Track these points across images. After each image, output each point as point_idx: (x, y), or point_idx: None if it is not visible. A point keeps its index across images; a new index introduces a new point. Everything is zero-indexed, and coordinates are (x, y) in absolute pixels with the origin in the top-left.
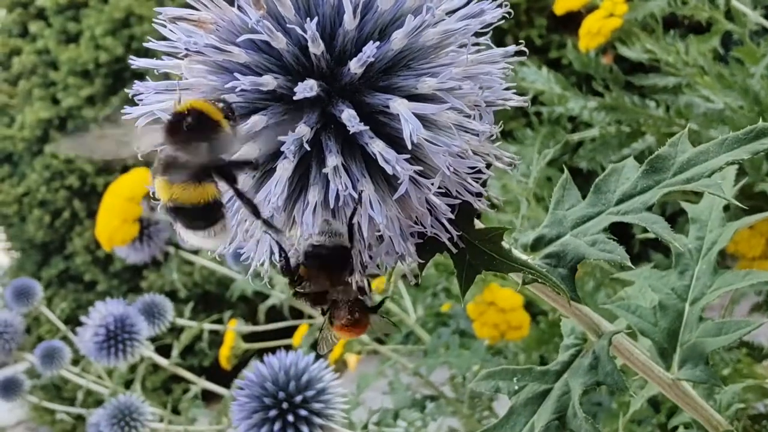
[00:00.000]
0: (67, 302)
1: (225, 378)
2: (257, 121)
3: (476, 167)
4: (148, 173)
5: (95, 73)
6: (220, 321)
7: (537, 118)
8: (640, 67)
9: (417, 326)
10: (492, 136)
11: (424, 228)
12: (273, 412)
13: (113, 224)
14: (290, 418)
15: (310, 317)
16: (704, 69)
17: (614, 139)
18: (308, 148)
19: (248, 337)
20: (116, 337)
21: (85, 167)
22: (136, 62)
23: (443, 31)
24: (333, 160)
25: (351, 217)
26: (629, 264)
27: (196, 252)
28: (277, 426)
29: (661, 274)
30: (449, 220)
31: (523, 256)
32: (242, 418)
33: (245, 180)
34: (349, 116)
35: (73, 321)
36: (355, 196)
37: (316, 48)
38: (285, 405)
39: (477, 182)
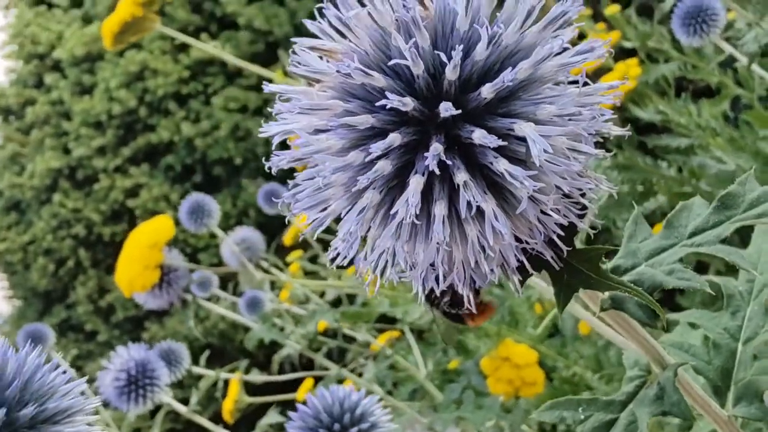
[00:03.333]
0: (68, 352)
1: (236, 427)
2: (395, 138)
3: (582, 189)
4: (169, 220)
5: (107, 124)
6: (234, 370)
7: None
8: (652, 127)
9: (427, 381)
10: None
11: (528, 246)
12: None
13: (134, 270)
14: None
15: (323, 368)
16: (716, 131)
17: (628, 197)
18: (437, 171)
19: (261, 387)
20: (137, 383)
21: (93, 216)
22: (269, 87)
23: (560, 64)
24: (462, 176)
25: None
26: (708, 289)
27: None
28: None
29: (713, 315)
30: (551, 242)
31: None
32: None
33: (372, 195)
34: (481, 134)
35: (74, 370)
36: (482, 206)
37: (453, 74)
38: None
39: (578, 205)
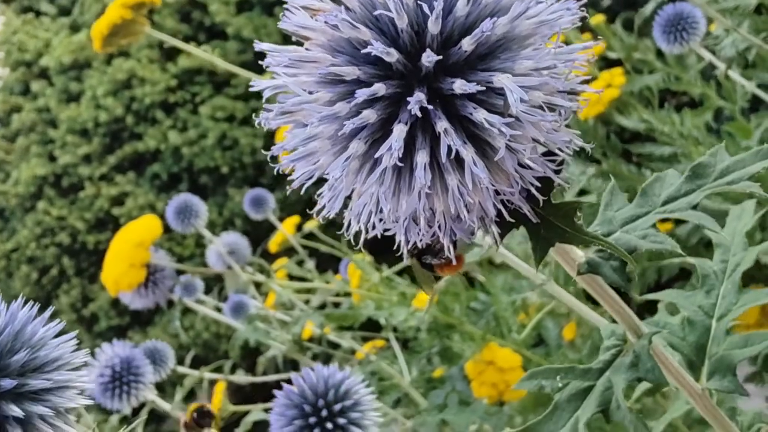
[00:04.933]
0: None
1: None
2: (379, 87)
3: (557, 143)
4: (157, 219)
5: (94, 132)
6: (219, 370)
7: None
8: (636, 136)
9: (411, 388)
10: (568, 120)
11: (506, 198)
12: (312, 419)
13: (120, 268)
14: (329, 425)
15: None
16: (698, 140)
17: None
18: (419, 115)
19: (246, 392)
20: (121, 379)
21: (77, 224)
22: (259, 45)
23: (538, 21)
24: (443, 124)
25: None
26: (680, 251)
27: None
28: None
29: (688, 294)
30: (529, 196)
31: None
32: (281, 426)
33: (358, 145)
34: (461, 83)
35: None
36: (462, 152)
37: (435, 27)
38: (324, 413)
39: (554, 162)
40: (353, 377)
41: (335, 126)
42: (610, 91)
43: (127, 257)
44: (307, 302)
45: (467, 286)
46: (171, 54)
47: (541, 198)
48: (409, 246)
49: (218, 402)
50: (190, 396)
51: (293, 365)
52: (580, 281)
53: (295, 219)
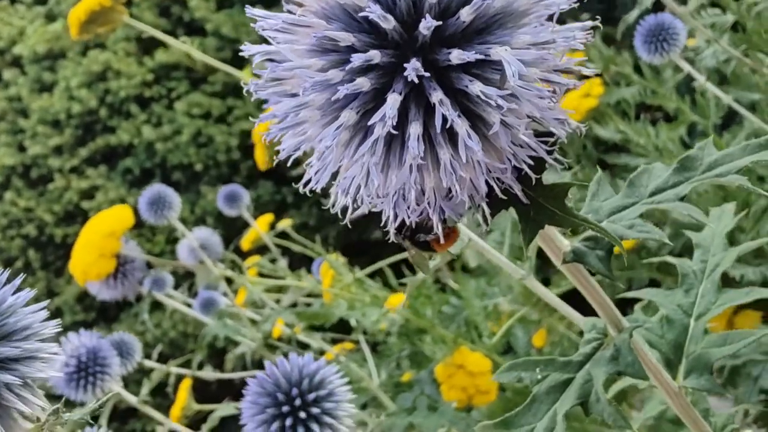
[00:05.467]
0: None
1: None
2: (374, 54)
3: (559, 118)
4: (129, 210)
5: (66, 124)
6: (188, 365)
7: None
8: (613, 146)
9: (380, 391)
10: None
11: (497, 177)
12: (286, 408)
13: (90, 258)
14: (302, 415)
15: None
16: (673, 153)
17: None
18: (416, 81)
19: (211, 389)
20: (87, 369)
21: (45, 216)
22: (251, 11)
23: None
24: (438, 95)
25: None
26: (667, 241)
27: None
28: (288, 422)
29: (667, 292)
30: (519, 176)
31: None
32: (253, 414)
33: (349, 114)
34: (458, 53)
35: None
36: (457, 123)
37: None
38: (298, 402)
39: (547, 142)
40: (329, 367)
41: (326, 94)
42: (588, 101)
43: (98, 246)
44: (278, 301)
45: (439, 290)
46: (148, 48)
47: (534, 176)
48: (398, 224)
49: (183, 400)
50: (158, 391)
51: (261, 365)
52: (564, 270)
53: (268, 217)
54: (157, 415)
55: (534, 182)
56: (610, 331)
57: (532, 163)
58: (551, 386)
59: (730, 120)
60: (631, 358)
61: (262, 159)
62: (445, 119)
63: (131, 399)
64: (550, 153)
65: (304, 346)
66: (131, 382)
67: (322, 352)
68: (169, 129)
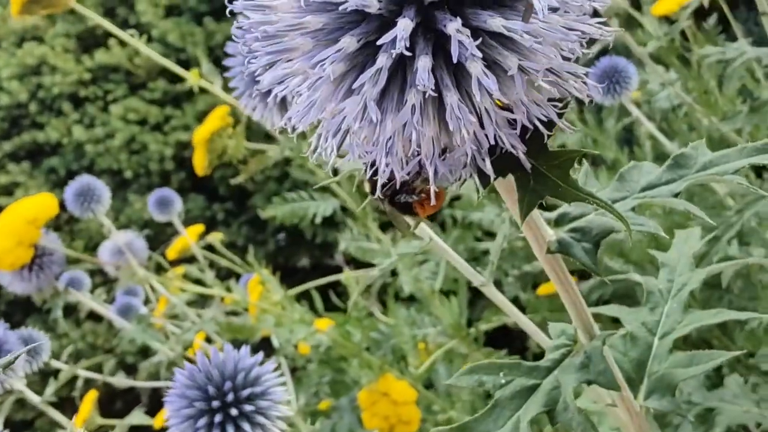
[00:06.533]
0: None
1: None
2: (372, 2)
3: (574, 73)
4: (54, 199)
5: None
6: (99, 369)
7: (451, 221)
8: None
9: (299, 417)
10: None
11: (501, 138)
12: (216, 403)
13: (6, 245)
14: (234, 412)
15: None
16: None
17: (521, 251)
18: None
19: (116, 405)
20: None
21: None
22: None
23: None
24: (454, 24)
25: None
26: (662, 234)
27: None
28: (218, 418)
29: (631, 309)
30: (523, 141)
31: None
32: (179, 408)
33: (350, 41)
34: None
35: None
36: (474, 56)
37: None
38: (230, 397)
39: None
40: (266, 364)
41: (324, 18)
42: None
43: (16, 233)
44: (199, 316)
45: (369, 315)
46: (88, 47)
47: (546, 133)
48: (385, 178)
49: (86, 412)
50: (63, 402)
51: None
52: (543, 263)
53: (199, 228)
54: (60, 417)
55: (538, 149)
56: (580, 337)
57: (544, 119)
58: (516, 391)
59: None
60: (602, 367)
61: (201, 163)
62: (465, 45)
63: (35, 399)
64: (560, 116)
65: None
66: (37, 384)
67: None
68: (101, 132)
